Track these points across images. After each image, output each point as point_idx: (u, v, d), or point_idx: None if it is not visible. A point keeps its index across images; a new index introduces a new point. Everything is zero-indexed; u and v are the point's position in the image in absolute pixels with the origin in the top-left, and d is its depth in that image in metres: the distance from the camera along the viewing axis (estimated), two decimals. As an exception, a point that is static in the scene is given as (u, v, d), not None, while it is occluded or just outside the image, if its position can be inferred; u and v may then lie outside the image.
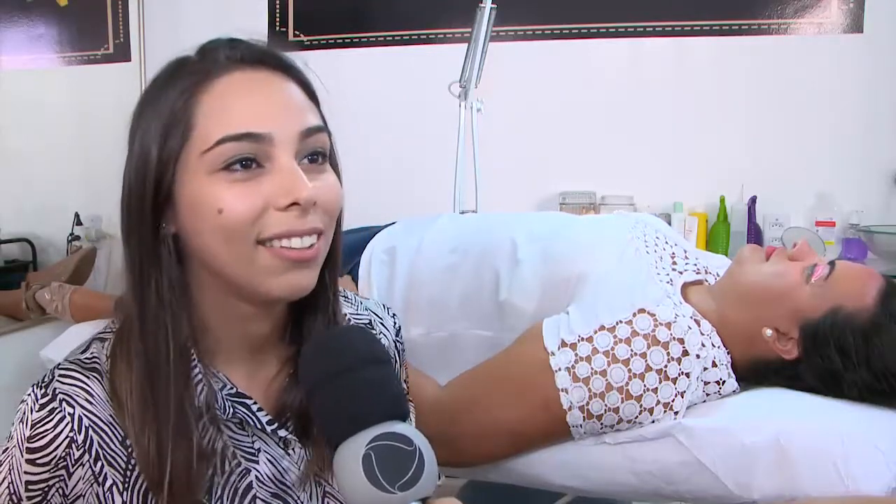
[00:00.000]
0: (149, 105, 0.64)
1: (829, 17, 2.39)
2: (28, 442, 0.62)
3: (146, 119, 0.64)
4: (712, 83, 2.48)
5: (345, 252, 1.39)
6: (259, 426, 0.69)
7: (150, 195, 0.63)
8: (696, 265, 1.26)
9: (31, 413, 0.63)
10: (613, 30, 2.54)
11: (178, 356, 0.64)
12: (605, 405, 1.03)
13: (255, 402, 0.69)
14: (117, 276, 0.69)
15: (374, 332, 0.80)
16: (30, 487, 0.62)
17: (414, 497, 0.57)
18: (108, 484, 0.63)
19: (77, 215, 2.44)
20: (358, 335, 0.67)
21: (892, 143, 2.34)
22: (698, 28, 2.48)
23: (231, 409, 0.68)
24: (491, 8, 1.89)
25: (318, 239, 0.65)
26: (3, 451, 0.64)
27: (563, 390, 1.04)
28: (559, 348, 1.05)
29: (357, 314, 0.81)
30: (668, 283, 1.16)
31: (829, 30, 2.39)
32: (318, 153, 0.65)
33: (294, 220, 0.62)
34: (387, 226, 1.40)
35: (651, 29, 2.52)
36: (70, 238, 2.41)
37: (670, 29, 2.50)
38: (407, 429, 0.59)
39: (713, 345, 1.08)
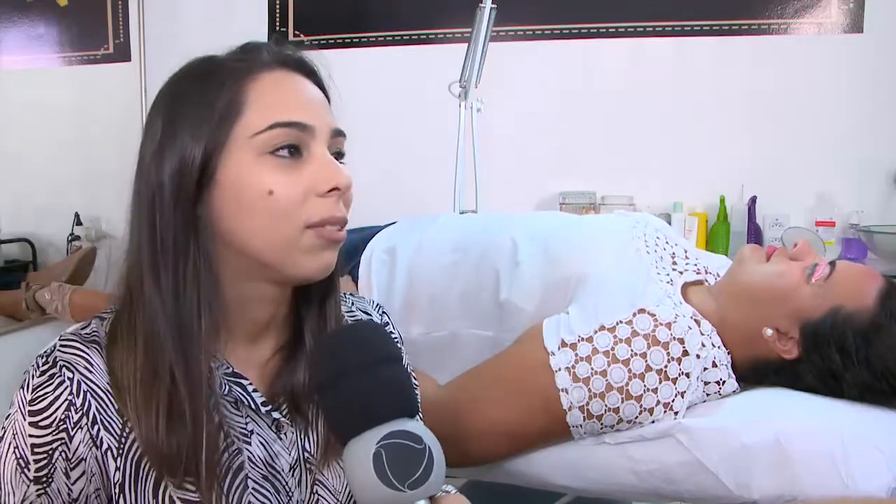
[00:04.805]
0: (188, 92, 0.68)
1: (829, 17, 2.39)
2: (29, 405, 0.64)
3: (187, 105, 0.67)
4: (712, 83, 2.48)
5: (345, 252, 1.39)
6: (253, 406, 0.70)
7: (196, 175, 0.65)
8: (696, 265, 1.26)
9: (33, 379, 0.65)
10: (613, 30, 2.55)
11: (208, 332, 0.66)
12: (605, 405, 1.03)
13: (250, 383, 0.71)
14: (117, 276, 0.70)
15: None
16: (35, 451, 0.64)
17: (423, 495, 0.57)
18: (104, 447, 0.65)
19: (77, 215, 2.45)
20: (372, 332, 0.68)
21: (892, 143, 2.34)
22: (698, 28, 2.48)
23: (227, 388, 0.69)
24: (491, 8, 1.89)
25: None
26: (6, 419, 0.66)
27: (563, 390, 1.04)
28: (559, 348, 1.05)
29: (350, 312, 0.83)
30: (668, 283, 1.16)
31: (829, 30, 2.39)
32: (339, 151, 0.72)
33: (333, 206, 0.68)
34: (387, 226, 1.40)
35: (651, 29, 2.52)
36: (70, 238, 2.42)
37: (670, 29, 2.51)
38: (417, 427, 0.60)
39: (713, 345, 1.08)
